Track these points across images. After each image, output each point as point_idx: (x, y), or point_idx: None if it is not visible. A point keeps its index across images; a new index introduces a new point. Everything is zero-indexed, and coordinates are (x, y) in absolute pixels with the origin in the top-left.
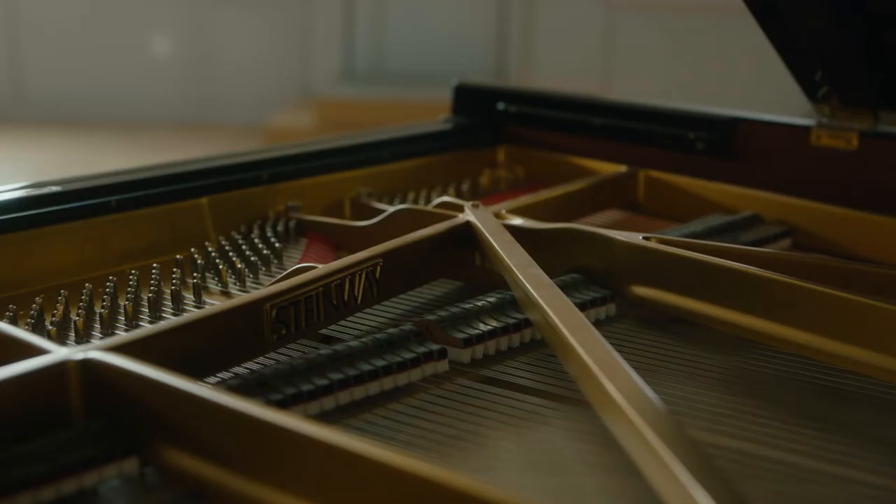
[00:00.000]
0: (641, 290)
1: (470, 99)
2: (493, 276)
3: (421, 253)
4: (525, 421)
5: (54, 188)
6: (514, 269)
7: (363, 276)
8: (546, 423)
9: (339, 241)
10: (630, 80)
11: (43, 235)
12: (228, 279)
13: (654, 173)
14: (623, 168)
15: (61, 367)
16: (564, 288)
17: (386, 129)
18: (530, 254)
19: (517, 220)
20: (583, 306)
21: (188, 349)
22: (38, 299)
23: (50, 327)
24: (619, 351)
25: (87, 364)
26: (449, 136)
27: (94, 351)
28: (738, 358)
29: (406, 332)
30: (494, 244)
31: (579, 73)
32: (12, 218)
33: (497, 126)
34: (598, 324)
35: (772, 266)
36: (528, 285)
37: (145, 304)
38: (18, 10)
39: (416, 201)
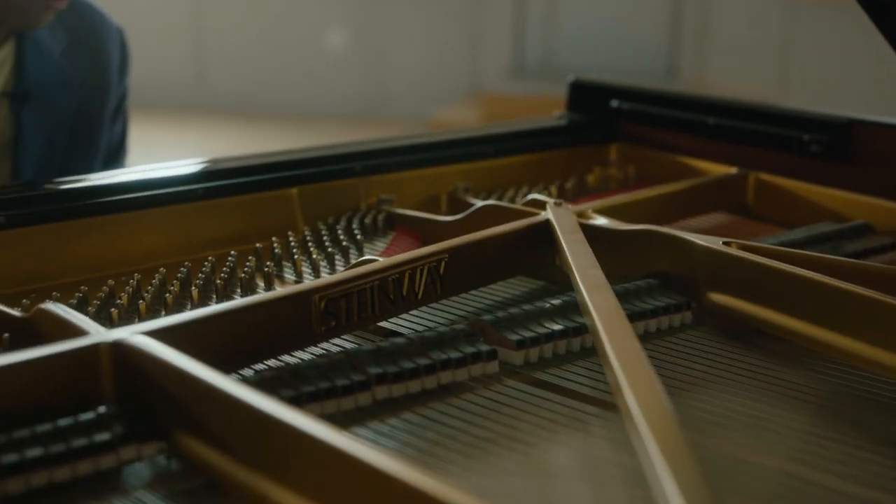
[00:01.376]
0: (719, 298)
1: (585, 95)
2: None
3: (491, 250)
4: (564, 427)
5: (144, 175)
6: (574, 269)
7: (425, 271)
8: (586, 431)
9: (425, 236)
10: (809, 82)
11: (130, 220)
12: (304, 269)
13: (765, 176)
14: (733, 170)
15: (94, 349)
16: (638, 293)
17: (494, 125)
18: (609, 256)
19: (600, 221)
20: (655, 312)
21: (231, 337)
22: (110, 282)
23: (113, 310)
24: (689, 361)
25: (118, 346)
26: (561, 132)
27: (128, 334)
28: (816, 375)
29: (457, 331)
30: (563, 243)
31: (755, 72)
32: (102, 202)
33: (611, 123)
34: (672, 331)
35: (864, 279)
36: (582, 287)
37: (214, 291)
38: (203, 4)
39: (513, 199)
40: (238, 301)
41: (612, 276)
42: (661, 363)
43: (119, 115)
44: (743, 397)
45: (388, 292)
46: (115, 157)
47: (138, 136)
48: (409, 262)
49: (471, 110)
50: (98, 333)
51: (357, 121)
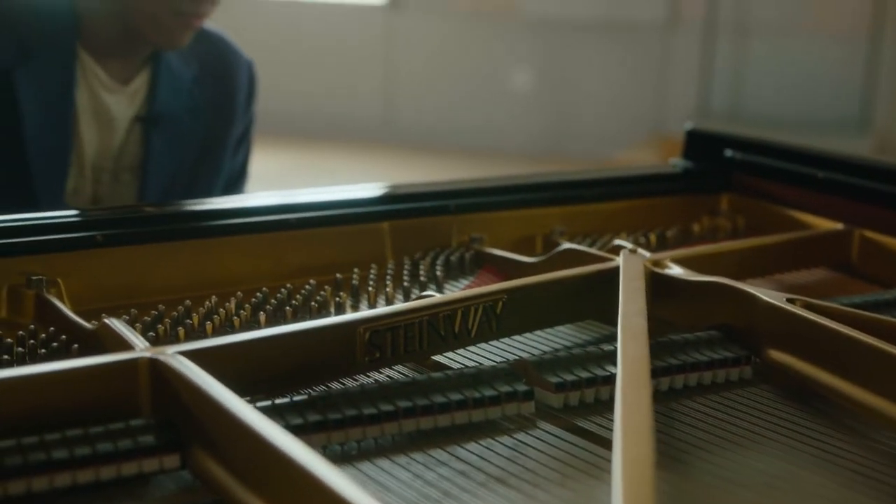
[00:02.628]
0: (779, 356)
1: (700, 144)
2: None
3: (553, 293)
4: (581, 473)
5: (238, 202)
6: (620, 314)
7: (480, 309)
8: (600, 478)
9: (509, 276)
10: None
11: (221, 245)
12: (379, 302)
13: (871, 234)
14: (839, 226)
15: (134, 363)
16: (698, 344)
17: (601, 170)
18: (677, 306)
19: (674, 270)
20: (712, 365)
21: (271, 362)
22: (187, 302)
23: (160, 327)
24: (740, 417)
25: (154, 363)
26: (671, 179)
27: (167, 352)
28: (876, 448)
29: (498, 370)
30: (620, 289)
31: None
32: (196, 226)
33: (724, 173)
34: (728, 385)
35: None
36: (619, 332)
37: (283, 317)
38: (394, 41)
39: (608, 244)
40: (280, 328)
41: (679, 326)
42: (710, 417)
43: (243, 144)
44: (784, 461)
45: (438, 328)
46: (235, 184)
47: (325, 165)
48: (463, 300)
49: (653, 153)
50: (142, 349)
51: (539, 159)
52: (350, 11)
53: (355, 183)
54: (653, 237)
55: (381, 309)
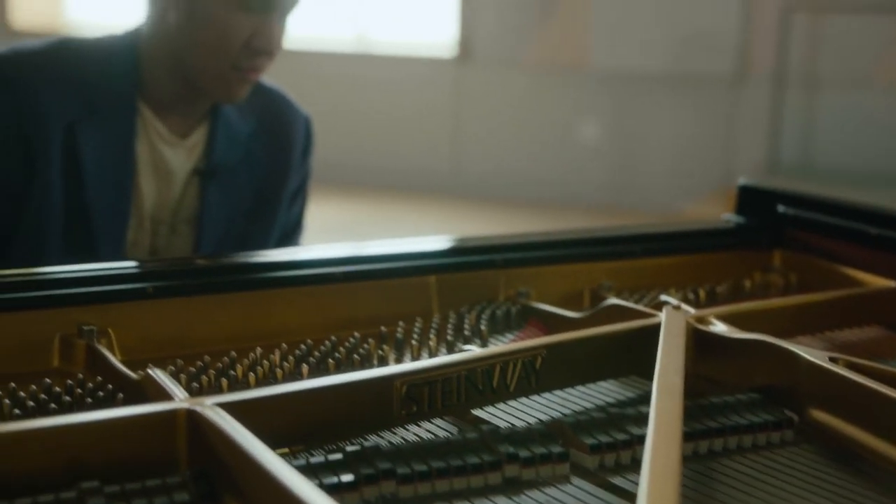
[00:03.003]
0: (822, 416)
1: (753, 199)
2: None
3: (594, 349)
4: None
5: (286, 255)
6: (656, 371)
7: (519, 364)
8: None
9: (554, 331)
10: None
11: (268, 297)
12: (421, 355)
13: None
14: (892, 284)
15: (172, 414)
16: (737, 407)
17: (651, 225)
18: (720, 364)
19: (718, 327)
20: (751, 428)
21: (307, 415)
22: (232, 353)
23: (203, 378)
24: (781, 478)
25: (192, 414)
26: (723, 235)
27: (204, 403)
28: None
29: (534, 430)
30: (659, 346)
31: None
32: (244, 279)
33: (777, 229)
34: (770, 447)
35: None
36: (654, 390)
37: (326, 369)
38: (463, 93)
39: (653, 300)
40: (317, 381)
41: (722, 383)
42: (749, 477)
43: (298, 198)
44: None
45: (476, 382)
46: (290, 237)
47: (393, 217)
48: (502, 355)
49: (721, 206)
50: (181, 400)
51: (606, 212)
52: (420, 64)
53: (423, 235)
54: (702, 293)
55: (419, 362)
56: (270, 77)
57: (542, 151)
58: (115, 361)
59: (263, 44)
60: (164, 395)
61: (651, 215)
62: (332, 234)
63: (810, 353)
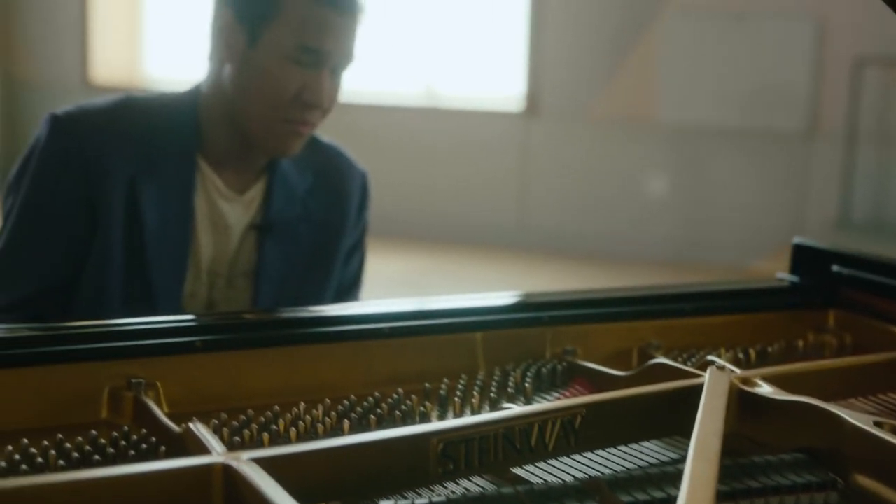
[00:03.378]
0: (867, 482)
1: (807, 259)
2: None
3: (635, 409)
4: None
5: (331, 311)
6: (694, 433)
7: (558, 423)
8: None
9: (599, 389)
10: None
11: (314, 352)
12: (464, 412)
13: None
14: None
15: (209, 469)
16: (780, 467)
17: (701, 283)
18: (763, 425)
19: (762, 389)
20: (793, 489)
21: (343, 471)
22: (275, 408)
23: (246, 432)
24: None
25: (227, 468)
26: (775, 294)
27: (240, 458)
28: None
29: (569, 487)
30: (700, 407)
31: None
32: (290, 334)
33: (832, 289)
34: None
35: None
36: (690, 452)
37: (367, 425)
38: (530, 147)
39: (702, 359)
40: (353, 437)
41: (766, 446)
42: None
43: (355, 254)
44: None
45: (513, 441)
46: (347, 293)
47: (458, 270)
48: (540, 414)
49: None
50: (218, 454)
51: (673, 267)
52: (488, 118)
53: (488, 289)
54: (753, 353)
55: (456, 420)
56: (341, 130)
57: (610, 206)
58: (160, 414)
59: (313, 98)
60: (203, 449)
61: (719, 271)
62: (396, 288)
63: (854, 416)
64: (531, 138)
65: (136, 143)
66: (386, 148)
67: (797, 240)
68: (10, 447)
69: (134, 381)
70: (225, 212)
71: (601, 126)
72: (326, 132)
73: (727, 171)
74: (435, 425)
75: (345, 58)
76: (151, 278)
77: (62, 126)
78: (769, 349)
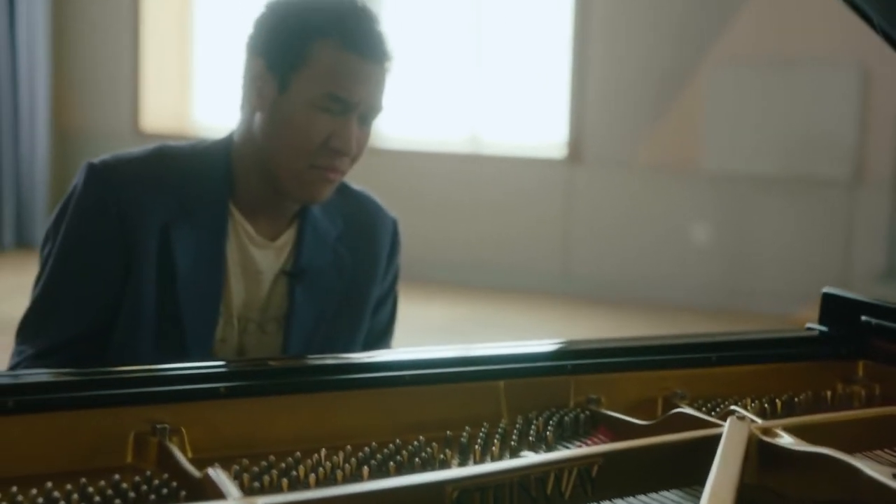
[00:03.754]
0: None
1: (835, 308)
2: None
3: (653, 459)
4: None
5: (354, 359)
6: (708, 486)
7: (574, 472)
8: None
9: (621, 439)
10: None
11: (338, 399)
12: (484, 460)
13: None
14: None
15: None
16: None
17: (728, 333)
18: (783, 476)
19: (783, 439)
20: None
21: None
22: (297, 454)
23: (265, 478)
24: None
25: None
26: (804, 343)
27: None
28: None
29: None
30: (717, 458)
31: None
32: (313, 381)
33: (862, 339)
34: None
35: None
36: (702, 502)
37: (386, 473)
38: (573, 194)
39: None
40: (367, 484)
41: (785, 497)
42: None
43: (386, 302)
44: None
45: (529, 489)
46: (378, 341)
47: (501, 317)
48: (557, 462)
49: None
50: (234, 499)
51: (716, 315)
52: (530, 164)
53: (531, 336)
54: (780, 403)
55: (471, 468)
56: (384, 176)
57: (653, 253)
58: (183, 460)
59: (341, 145)
60: (220, 495)
61: (762, 319)
62: (438, 335)
63: (873, 468)
64: (574, 184)
65: (169, 191)
66: (429, 194)
67: (826, 289)
68: (34, 490)
69: (159, 426)
70: (256, 258)
71: (645, 173)
72: (370, 179)
73: (771, 220)
74: (450, 472)
75: (373, 106)
76: (184, 324)
77: (98, 174)
78: (796, 399)
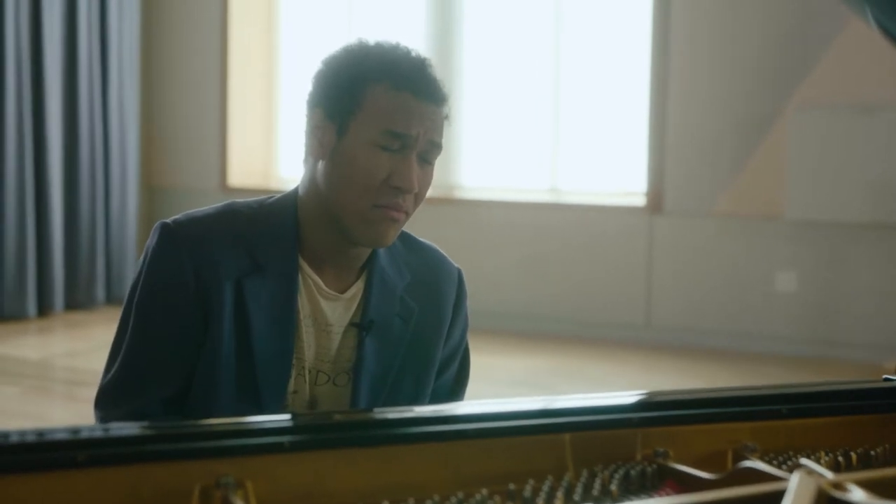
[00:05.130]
0: None
1: None
2: None
3: None
4: None
5: (415, 413)
6: None
7: None
8: None
9: (689, 492)
10: None
11: (400, 452)
12: None
13: None
14: None
15: None
16: None
17: (800, 384)
18: None
19: (854, 494)
20: None
21: None
22: None
23: None
24: None
25: None
26: (882, 395)
27: None
28: None
29: None
30: None
31: None
32: (378, 434)
33: None
34: None
35: None
36: None
37: None
38: (654, 242)
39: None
40: None
41: None
42: None
43: (455, 356)
44: None
45: None
46: (451, 394)
47: (583, 369)
48: None
49: None
50: None
51: (803, 364)
52: (610, 213)
53: (613, 388)
54: (854, 457)
55: None
56: (464, 227)
57: (736, 302)
58: None
59: (403, 182)
60: None
61: (851, 369)
62: (518, 387)
63: None
64: (655, 234)
65: (241, 247)
66: (510, 244)
67: None
68: None
69: (223, 480)
70: (326, 311)
71: (726, 221)
72: (450, 229)
73: (858, 267)
74: None
75: (432, 143)
76: (258, 377)
77: (172, 233)
78: (873, 453)
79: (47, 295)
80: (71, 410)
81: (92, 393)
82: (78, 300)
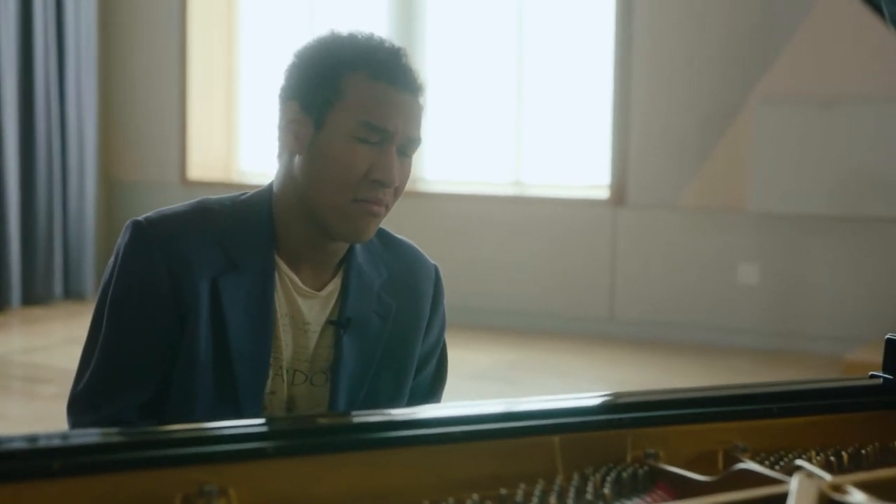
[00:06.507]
0: None
1: None
2: None
3: None
4: None
5: (401, 416)
6: None
7: None
8: None
9: (682, 495)
10: None
11: (384, 457)
12: None
13: None
14: None
15: None
16: None
17: (789, 382)
18: None
19: (854, 497)
20: None
21: None
22: None
23: None
24: None
25: None
26: (869, 393)
27: None
28: None
29: None
30: None
31: None
32: (362, 438)
33: None
34: None
35: None
36: None
37: None
38: (618, 235)
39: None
40: None
41: None
42: None
43: (434, 354)
44: None
45: None
46: (429, 394)
47: (547, 362)
48: None
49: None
50: None
51: (766, 357)
52: (574, 206)
53: (577, 380)
54: (846, 456)
55: None
56: (428, 220)
57: (700, 295)
58: None
59: (382, 175)
60: None
61: (814, 361)
62: (483, 381)
63: None
64: (618, 226)
65: (215, 245)
66: (474, 238)
67: (890, 335)
68: None
69: (206, 487)
70: (303, 309)
71: (690, 214)
72: (414, 222)
73: (821, 260)
74: None
75: (410, 137)
76: (236, 378)
77: (144, 231)
78: (863, 451)
79: (3, 290)
80: (29, 407)
81: (50, 389)
82: (35, 295)
